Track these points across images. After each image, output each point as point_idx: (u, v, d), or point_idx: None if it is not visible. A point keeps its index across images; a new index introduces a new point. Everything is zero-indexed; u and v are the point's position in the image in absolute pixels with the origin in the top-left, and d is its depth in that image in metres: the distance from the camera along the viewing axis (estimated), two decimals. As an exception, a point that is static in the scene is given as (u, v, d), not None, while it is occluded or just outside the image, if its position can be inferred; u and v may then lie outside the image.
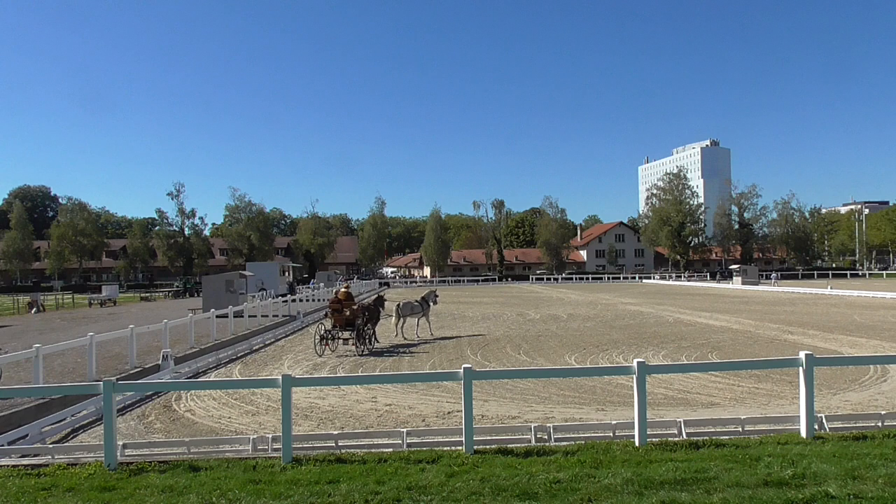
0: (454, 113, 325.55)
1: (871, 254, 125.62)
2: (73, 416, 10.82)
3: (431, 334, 23.65)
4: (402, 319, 22.68)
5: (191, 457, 7.93)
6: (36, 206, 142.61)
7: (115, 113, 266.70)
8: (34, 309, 44.42)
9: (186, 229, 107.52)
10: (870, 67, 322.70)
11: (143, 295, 68.31)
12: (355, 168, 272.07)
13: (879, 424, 8.85)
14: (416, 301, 23.51)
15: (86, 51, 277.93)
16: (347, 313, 19.69)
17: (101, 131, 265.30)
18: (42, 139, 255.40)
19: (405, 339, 22.44)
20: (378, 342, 21.16)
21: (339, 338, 19.79)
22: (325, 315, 22.19)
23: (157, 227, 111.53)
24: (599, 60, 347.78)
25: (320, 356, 18.87)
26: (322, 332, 19.65)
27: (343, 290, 20.87)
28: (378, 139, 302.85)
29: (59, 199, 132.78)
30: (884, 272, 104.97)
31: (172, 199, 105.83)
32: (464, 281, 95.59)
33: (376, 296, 22.99)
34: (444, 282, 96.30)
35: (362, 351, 19.30)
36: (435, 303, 24.96)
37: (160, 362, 15.45)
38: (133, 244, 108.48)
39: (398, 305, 22.96)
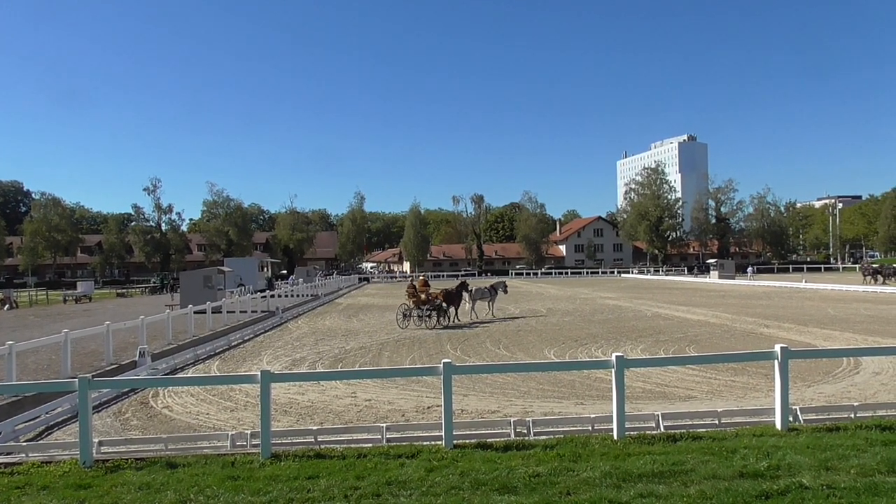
0: (433, 108, 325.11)
1: (845, 247, 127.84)
2: (47, 413, 10.66)
3: (494, 315, 28.33)
4: (473, 302, 27.43)
5: (168, 454, 7.85)
6: (8, 201, 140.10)
7: (89, 108, 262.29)
8: (7, 305, 43.64)
9: (163, 225, 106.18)
10: (844, 64, 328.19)
11: (119, 291, 67.28)
12: (334, 163, 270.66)
13: (852, 416, 8.99)
14: (486, 288, 28.42)
15: (60, 45, 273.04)
16: (423, 297, 24.61)
17: (76, 126, 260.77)
18: (13, 134, 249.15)
19: (477, 317, 26.95)
20: (458, 319, 25.88)
21: (418, 315, 24.46)
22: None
23: (133, 223, 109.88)
24: (578, 56, 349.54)
25: (403, 329, 23.54)
26: (404, 310, 24.75)
27: (421, 278, 27.65)
28: (357, 134, 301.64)
29: (32, 195, 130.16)
30: (857, 266, 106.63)
31: (149, 194, 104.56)
32: (443, 276, 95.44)
33: (460, 282, 27.52)
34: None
35: (434, 325, 23.98)
36: (505, 291, 30.14)
37: (137, 359, 15.27)
38: (109, 240, 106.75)
39: (471, 291, 27.34)
